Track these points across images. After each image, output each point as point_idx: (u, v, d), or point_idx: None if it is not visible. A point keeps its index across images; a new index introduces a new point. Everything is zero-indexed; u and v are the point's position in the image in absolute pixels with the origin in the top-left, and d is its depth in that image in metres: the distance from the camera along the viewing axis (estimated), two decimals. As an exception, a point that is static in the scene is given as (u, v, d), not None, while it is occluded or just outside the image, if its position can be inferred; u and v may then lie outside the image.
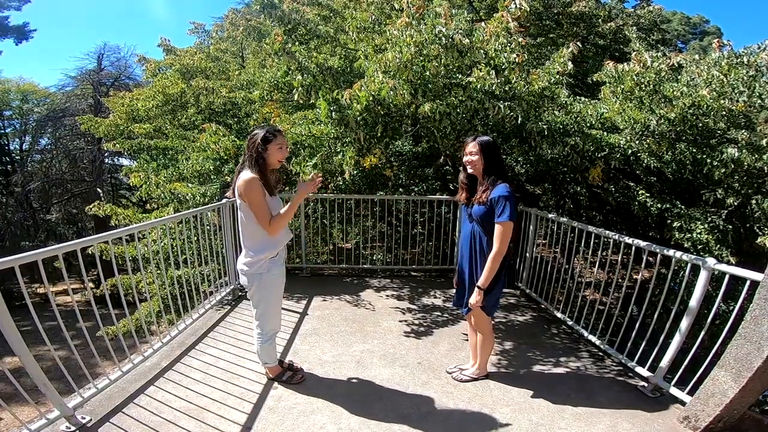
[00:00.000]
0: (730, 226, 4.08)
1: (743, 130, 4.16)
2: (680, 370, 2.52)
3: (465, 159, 2.42)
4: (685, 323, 2.48)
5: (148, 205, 6.18)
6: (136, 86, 10.74)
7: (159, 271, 4.14)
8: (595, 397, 2.64)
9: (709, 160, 3.84)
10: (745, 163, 3.73)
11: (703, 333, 2.40)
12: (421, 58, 2.93)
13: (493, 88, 2.78)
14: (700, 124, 3.75)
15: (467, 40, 2.71)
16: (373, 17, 3.65)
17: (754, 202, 4.16)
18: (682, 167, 3.95)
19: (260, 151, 2.24)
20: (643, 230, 5.43)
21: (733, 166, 3.73)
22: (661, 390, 2.64)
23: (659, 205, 4.38)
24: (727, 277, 2.26)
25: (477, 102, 2.91)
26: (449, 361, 3.04)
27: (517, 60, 2.83)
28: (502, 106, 2.81)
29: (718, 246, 3.92)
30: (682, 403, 2.48)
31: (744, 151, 3.65)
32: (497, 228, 2.30)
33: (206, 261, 3.86)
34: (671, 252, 2.59)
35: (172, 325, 3.40)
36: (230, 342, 3.21)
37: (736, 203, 4.32)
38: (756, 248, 4.54)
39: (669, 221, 4.27)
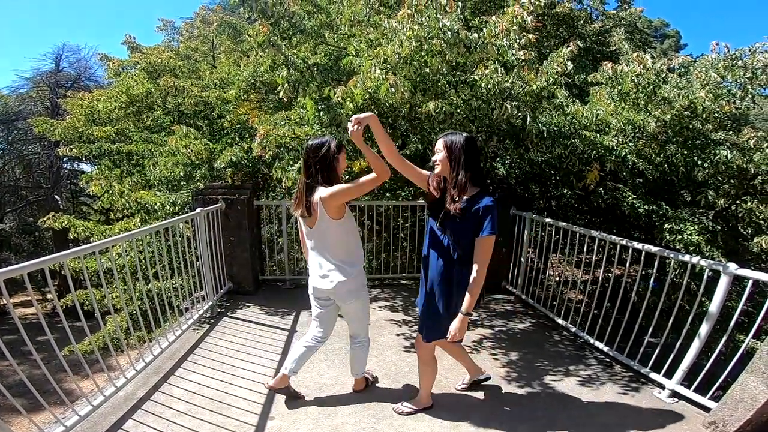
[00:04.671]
0: (719, 227, 4.13)
1: (730, 132, 4.24)
2: (701, 375, 2.44)
3: (433, 158, 2.11)
4: (704, 328, 2.40)
5: (111, 214, 5.65)
6: (98, 88, 9.99)
7: (125, 286, 3.73)
8: (614, 406, 2.52)
9: (699, 162, 3.86)
10: (735, 165, 3.77)
11: (725, 338, 2.33)
12: (423, 53, 2.75)
13: (504, 86, 2.62)
14: (690, 126, 3.77)
15: (475, 35, 2.55)
16: (366, 11, 3.44)
17: (740, 202, 4.23)
18: (674, 169, 3.96)
19: (332, 160, 2.13)
20: (627, 232, 5.45)
21: (723, 168, 3.77)
22: (678, 395, 2.56)
23: (646, 207, 4.38)
24: (750, 282, 2.19)
25: (482, 101, 2.76)
26: (455, 376, 2.84)
27: (524, 57, 2.70)
28: (509, 105, 2.66)
29: (709, 247, 3.94)
30: (703, 408, 2.40)
31: (735, 152, 3.69)
32: (482, 243, 1.94)
33: (179, 272, 3.51)
34: (687, 257, 2.51)
35: (145, 345, 3.02)
36: (214, 366, 2.88)
37: (726, 204, 4.38)
38: (739, 246, 4.63)
39: (657, 223, 4.27)
